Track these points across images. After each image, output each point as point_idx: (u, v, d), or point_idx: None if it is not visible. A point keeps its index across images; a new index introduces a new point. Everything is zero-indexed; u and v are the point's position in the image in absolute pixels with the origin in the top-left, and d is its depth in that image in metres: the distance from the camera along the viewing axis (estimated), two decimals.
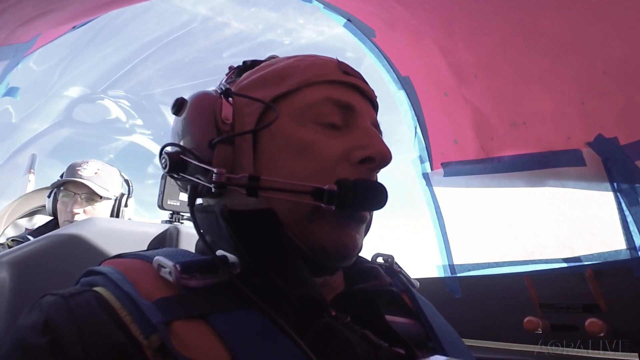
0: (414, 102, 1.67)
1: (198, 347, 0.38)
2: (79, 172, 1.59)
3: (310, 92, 0.53)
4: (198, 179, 0.50)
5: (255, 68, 0.59)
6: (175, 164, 0.50)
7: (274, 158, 0.50)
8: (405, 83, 1.67)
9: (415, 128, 1.68)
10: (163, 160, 0.51)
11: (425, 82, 1.62)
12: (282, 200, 0.48)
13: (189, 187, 0.51)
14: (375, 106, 0.59)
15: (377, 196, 0.49)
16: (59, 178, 1.66)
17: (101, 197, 1.60)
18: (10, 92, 1.31)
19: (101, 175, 1.62)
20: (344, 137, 0.51)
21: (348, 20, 1.67)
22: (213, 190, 0.47)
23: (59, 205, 1.60)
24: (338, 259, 0.50)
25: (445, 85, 1.53)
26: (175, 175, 0.52)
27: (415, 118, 1.68)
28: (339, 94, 0.53)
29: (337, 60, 0.57)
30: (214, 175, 0.47)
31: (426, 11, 1.39)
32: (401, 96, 1.69)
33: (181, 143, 0.53)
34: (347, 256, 0.50)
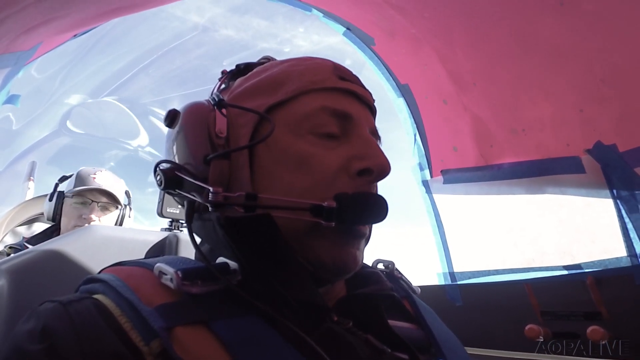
0: (413, 109, 1.68)
1: (200, 352, 0.38)
2: (95, 180, 1.59)
3: (305, 100, 0.51)
4: (194, 196, 0.49)
5: (249, 74, 0.57)
6: (171, 181, 0.50)
7: (271, 171, 0.49)
8: (404, 90, 1.68)
9: (415, 135, 1.69)
10: (158, 177, 0.51)
11: (425, 90, 1.62)
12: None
13: (185, 202, 0.50)
14: (373, 111, 0.57)
15: (377, 209, 0.48)
16: (57, 182, 1.65)
17: (117, 207, 1.62)
18: (11, 99, 1.31)
19: (114, 186, 1.63)
20: (341, 147, 0.50)
21: (347, 28, 1.69)
22: (210, 209, 0.47)
23: (69, 210, 1.58)
24: (338, 274, 0.50)
25: (445, 93, 1.53)
26: (172, 191, 0.51)
27: (415, 125, 1.69)
28: (335, 103, 0.51)
29: (333, 63, 0.55)
30: (210, 194, 0.46)
31: (425, 19, 1.41)
32: (400, 103, 1.70)
33: (175, 157, 0.52)
34: (347, 272, 0.50)
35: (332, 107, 0.50)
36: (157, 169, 0.51)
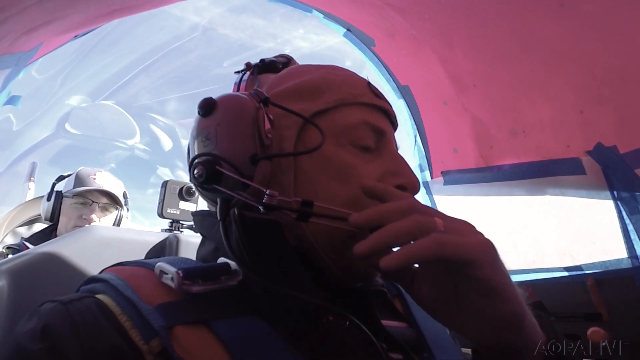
0: (414, 110, 1.68)
1: (200, 352, 0.38)
2: (95, 181, 1.60)
3: (347, 112, 0.52)
4: (239, 194, 0.46)
5: (283, 73, 0.57)
6: (211, 176, 0.47)
7: (314, 178, 0.49)
8: (404, 92, 1.68)
9: (415, 137, 1.69)
10: (197, 171, 0.47)
11: (425, 91, 1.63)
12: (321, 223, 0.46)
13: (219, 199, 0.47)
14: (395, 129, 0.59)
15: None
16: (54, 182, 1.66)
17: (116, 208, 1.63)
18: (12, 100, 1.31)
19: (114, 187, 1.64)
20: (375, 161, 0.51)
21: (347, 29, 1.69)
22: (261, 210, 0.45)
23: (69, 211, 1.59)
24: (365, 279, 0.52)
25: (445, 94, 1.53)
26: (207, 186, 0.48)
27: (415, 127, 1.69)
28: (374, 119, 0.53)
29: (367, 80, 0.57)
30: (266, 196, 0.44)
31: (425, 21, 1.41)
32: (401, 105, 1.70)
33: (215, 149, 0.49)
34: (373, 276, 0.52)
35: (372, 123, 0.52)
36: (195, 161, 0.48)
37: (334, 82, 0.54)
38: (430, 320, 0.58)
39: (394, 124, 0.58)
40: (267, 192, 0.44)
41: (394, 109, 0.58)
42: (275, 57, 0.62)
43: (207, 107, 0.50)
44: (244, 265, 0.45)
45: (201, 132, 0.51)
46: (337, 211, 0.46)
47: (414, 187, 0.51)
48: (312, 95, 0.52)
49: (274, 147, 0.50)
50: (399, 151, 0.56)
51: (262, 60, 0.60)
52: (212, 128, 0.50)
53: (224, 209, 0.47)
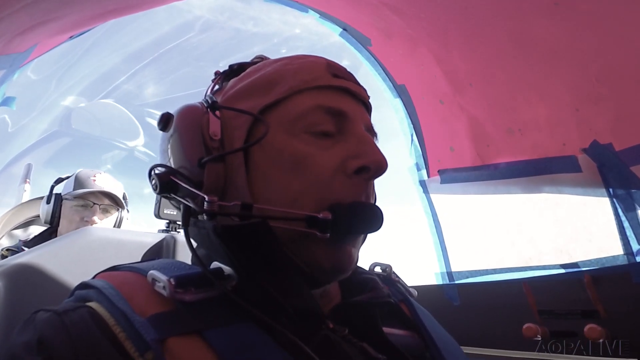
0: (410, 110, 1.68)
1: None
2: (96, 183, 1.59)
3: (300, 99, 0.50)
4: (189, 202, 0.48)
5: (242, 74, 0.56)
6: (166, 185, 0.49)
7: (267, 173, 0.49)
8: (401, 91, 1.68)
9: (412, 136, 1.69)
10: (153, 181, 0.50)
11: (421, 90, 1.63)
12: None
13: (182, 206, 0.49)
14: (368, 108, 0.57)
15: (373, 219, 0.48)
16: (52, 184, 1.64)
17: (117, 210, 1.61)
18: (7, 102, 1.31)
19: (115, 188, 1.63)
20: (337, 145, 0.49)
21: (344, 29, 1.69)
22: (205, 217, 0.46)
23: (70, 213, 1.57)
24: (335, 274, 0.49)
25: (441, 93, 1.54)
26: (167, 195, 0.51)
27: (412, 126, 1.69)
28: (329, 101, 0.50)
29: (327, 61, 0.54)
30: (205, 203, 0.45)
31: (421, 20, 1.41)
32: (397, 104, 1.70)
33: (171, 160, 0.52)
34: (344, 271, 0.49)
35: (327, 105, 0.50)
36: (152, 172, 0.50)
37: (288, 71, 0.52)
38: (437, 326, 0.58)
39: (365, 104, 0.56)
40: (207, 199, 0.45)
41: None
42: (253, 58, 0.62)
43: (164, 121, 0.52)
44: (238, 274, 0.44)
45: (161, 145, 0.55)
46: (280, 212, 0.46)
47: (378, 166, 0.48)
48: (263, 90, 0.52)
49: (226, 148, 0.50)
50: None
51: (230, 66, 0.60)
52: (168, 140, 0.53)
53: (185, 215, 0.48)
